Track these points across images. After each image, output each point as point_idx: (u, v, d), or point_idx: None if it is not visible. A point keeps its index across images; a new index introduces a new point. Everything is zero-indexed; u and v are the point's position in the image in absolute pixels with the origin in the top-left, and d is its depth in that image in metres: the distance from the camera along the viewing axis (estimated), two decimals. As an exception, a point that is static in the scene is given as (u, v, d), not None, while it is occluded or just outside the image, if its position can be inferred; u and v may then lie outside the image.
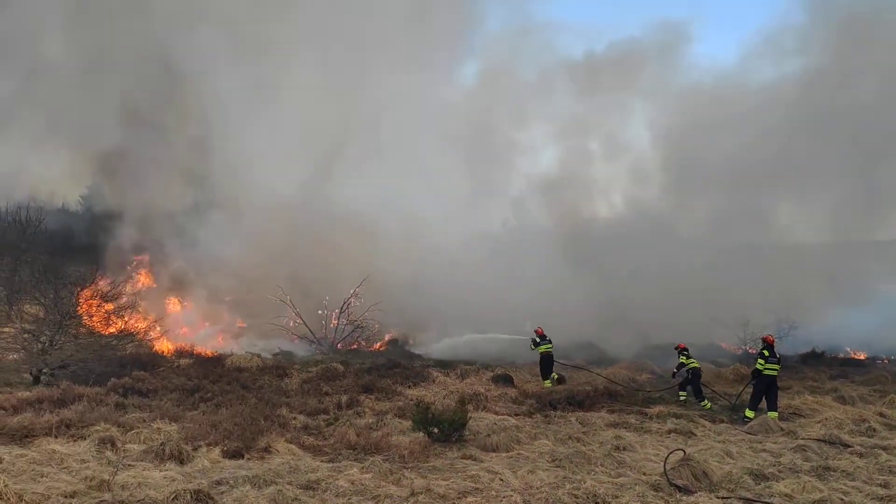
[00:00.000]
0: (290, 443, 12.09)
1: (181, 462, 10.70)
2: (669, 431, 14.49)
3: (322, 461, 11.18)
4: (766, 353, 16.78)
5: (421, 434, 12.89)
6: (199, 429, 12.63)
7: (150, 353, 21.57)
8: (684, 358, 18.81)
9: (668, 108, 39.79)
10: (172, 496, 8.71)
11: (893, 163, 34.23)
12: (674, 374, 19.72)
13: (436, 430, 12.81)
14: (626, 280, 32.81)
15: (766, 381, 16.45)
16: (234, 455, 11.29)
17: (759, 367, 16.61)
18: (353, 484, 9.70)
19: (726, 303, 32.80)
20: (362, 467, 10.54)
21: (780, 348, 30.51)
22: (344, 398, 16.32)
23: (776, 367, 16.65)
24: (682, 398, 18.55)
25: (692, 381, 18.42)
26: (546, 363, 21.21)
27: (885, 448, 13.24)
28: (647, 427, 14.83)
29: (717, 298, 33.39)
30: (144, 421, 13.26)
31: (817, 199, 37.22)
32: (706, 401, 18.14)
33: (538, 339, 21.77)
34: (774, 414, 15.98)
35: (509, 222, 46.06)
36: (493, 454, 12.22)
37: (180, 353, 22.62)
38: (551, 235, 35.97)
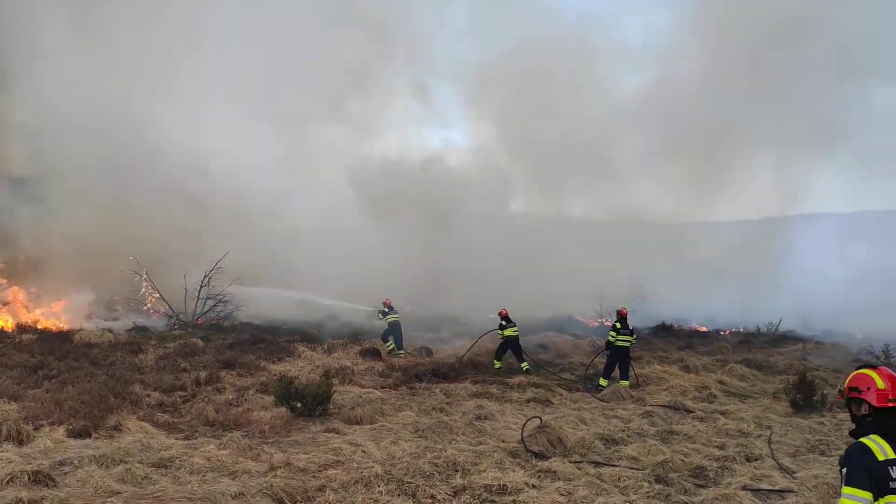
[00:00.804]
0: (143, 420, 11.53)
1: (20, 443, 9.95)
2: (529, 400, 15.00)
3: (177, 439, 10.73)
4: (618, 325, 17.63)
5: (284, 409, 12.65)
6: (42, 408, 11.80)
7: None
8: (500, 328, 19.59)
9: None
10: (7, 478, 8.08)
11: (731, 149, 36.96)
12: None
13: (299, 405, 12.60)
14: (488, 255, 33.79)
15: (619, 351, 17.32)
16: (81, 434, 10.61)
17: (611, 338, 17.46)
18: (209, 461, 9.35)
19: (585, 277, 34.33)
20: (220, 444, 10.19)
21: (633, 321, 32.34)
22: (203, 374, 15.74)
23: (629, 338, 17.54)
24: (496, 366, 19.24)
25: (512, 348, 19.32)
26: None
27: (723, 413, 14.30)
28: (508, 397, 15.29)
29: (577, 273, 34.90)
30: (-22, 401, 12.23)
31: (671, 181, 39.57)
32: (525, 363, 19.22)
33: (386, 310, 22.53)
34: (626, 382, 16.89)
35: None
36: (357, 427, 12.18)
37: (22, 329, 21.02)
38: (412, 207, 36.27)
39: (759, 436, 12.16)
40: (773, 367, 21.19)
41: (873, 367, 4.26)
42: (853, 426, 4.27)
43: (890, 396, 4.08)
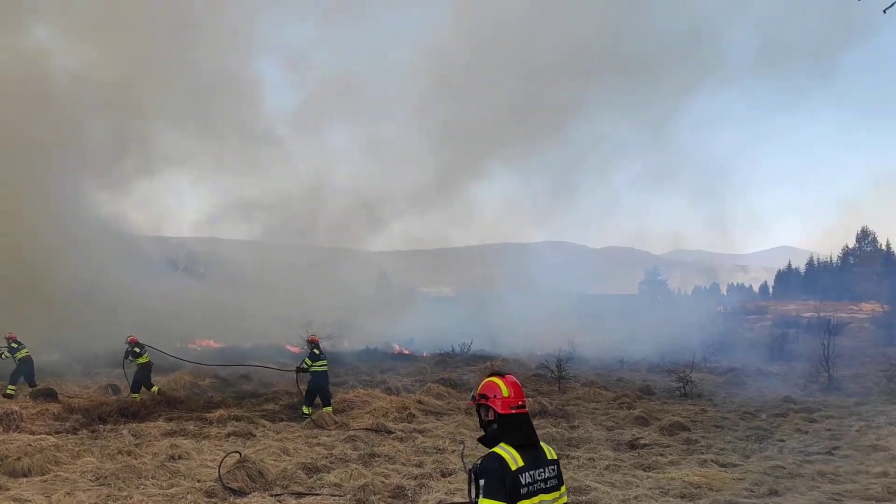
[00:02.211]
0: None
1: None
2: (229, 435, 14.26)
3: None
4: (316, 351, 17.46)
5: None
6: None
7: None
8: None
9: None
10: None
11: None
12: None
13: (-54, 461, 10.60)
14: (183, 282, 32.34)
15: (318, 377, 17.18)
16: None
17: (306, 364, 17.13)
18: None
19: (293, 304, 34.12)
20: None
21: (341, 346, 32.74)
22: None
23: (324, 363, 17.41)
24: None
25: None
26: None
27: (421, 431, 14.92)
28: (207, 432, 14.40)
29: (285, 300, 34.58)
30: None
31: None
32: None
33: (15, 346, 19.47)
34: (329, 408, 16.85)
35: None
36: (25, 480, 10.56)
37: None
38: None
39: (453, 451, 12.84)
40: (465, 385, 22.71)
41: (501, 375, 4.43)
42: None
43: (512, 404, 4.26)
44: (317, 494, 9.86)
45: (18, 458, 11.34)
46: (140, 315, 31.62)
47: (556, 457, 4.33)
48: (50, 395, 18.08)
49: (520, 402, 4.28)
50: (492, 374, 4.43)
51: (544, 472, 4.20)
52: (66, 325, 27.68)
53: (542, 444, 4.32)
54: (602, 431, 15.48)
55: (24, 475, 10.80)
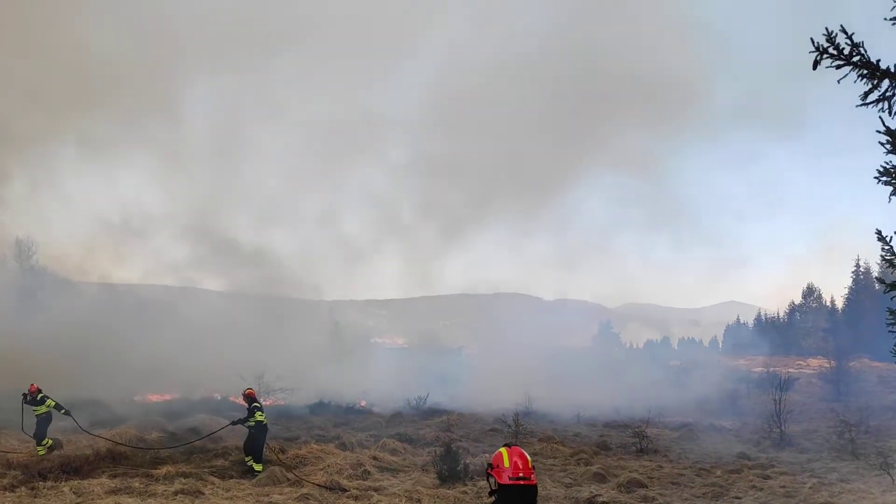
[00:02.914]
0: None
1: None
2: (177, 492, 13.69)
3: None
4: (258, 404, 17.05)
5: None
6: None
7: None
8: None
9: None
10: None
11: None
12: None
13: None
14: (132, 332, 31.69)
15: (264, 430, 16.70)
16: None
17: (259, 418, 16.62)
18: None
19: (245, 355, 33.53)
20: None
21: (291, 399, 32.11)
22: None
23: (258, 416, 16.81)
24: (48, 444, 17.91)
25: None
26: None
27: (376, 489, 14.57)
28: (154, 490, 13.80)
29: (235, 351, 33.93)
30: None
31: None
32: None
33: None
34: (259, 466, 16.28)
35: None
36: (-45, 544, 9.97)
37: None
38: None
39: (411, 510, 12.56)
40: (422, 440, 22.37)
41: (509, 445, 4.60)
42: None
43: (511, 475, 4.41)
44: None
45: (-51, 520, 10.72)
46: (84, 364, 30.68)
47: None
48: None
49: (520, 475, 4.40)
50: (505, 445, 4.62)
51: None
52: (3, 375, 26.59)
53: None
54: (560, 488, 15.33)
55: (-44, 538, 10.20)
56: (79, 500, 12.77)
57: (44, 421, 18.32)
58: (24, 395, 18.38)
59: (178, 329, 37.12)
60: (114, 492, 13.48)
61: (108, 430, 21.16)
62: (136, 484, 14.31)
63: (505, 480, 4.39)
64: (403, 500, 13.33)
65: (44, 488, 13.63)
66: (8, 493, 13.20)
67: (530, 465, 4.49)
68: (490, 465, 4.52)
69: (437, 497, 13.75)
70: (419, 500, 13.16)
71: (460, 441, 21.06)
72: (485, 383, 42.54)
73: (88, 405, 26.44)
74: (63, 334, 31.91)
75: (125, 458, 17.11)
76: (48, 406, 18.30)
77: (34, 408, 18.32)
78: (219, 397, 32.04)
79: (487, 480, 4.57)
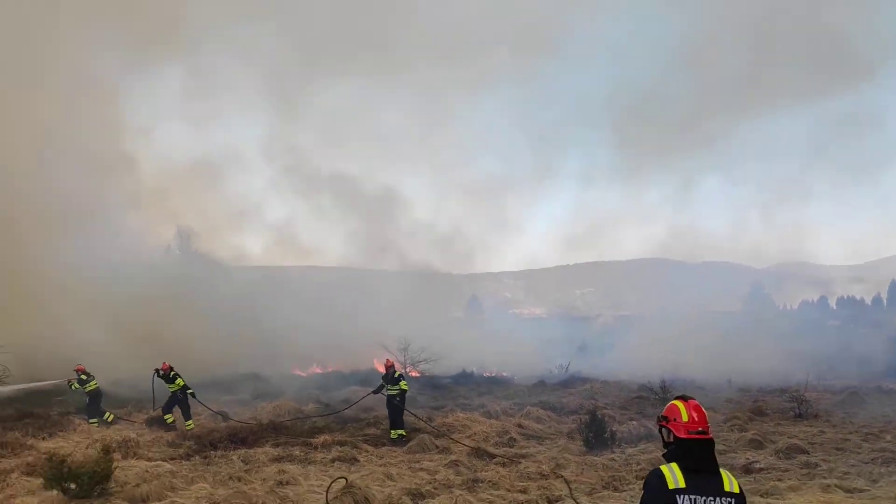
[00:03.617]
0: None
1: None
2: (334, 460, 14.44)
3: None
4: (399, 374, 17.94)
5: (55, 492, 11.11)
6: None
7: None
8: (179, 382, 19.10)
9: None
10: None
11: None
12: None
13: (73, 486, 11.13)
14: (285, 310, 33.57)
15: (391, 401, 17.45)
16: None
17: (403, 387, 17.56)
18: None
19: (392, 330, 34.70)
20: (-29, 543, 8.69)
21: (435, 370, 32.88)
22: (-48, 460, 13.54)
23: (393, 387, 17.56)
24: (168, 420, 18.87)
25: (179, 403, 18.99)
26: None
27: (523, 456, 14.68)
28: (312, 458, 14.61)
29: (383, 326, 35.18)
30: None
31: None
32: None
33: (84, 378, 20.00)
34: (402, 431, 17.06)
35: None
36: (143, 505, 10.98)
37: None
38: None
39: (558, 477, 12.55)
40: (565, 408, 22.27)
41: (685, 398, 4.44)
42: (664, 450, 4.46)
43: (691, 429, 4.27)
44: (423, 521, 9.79)
45: (137, 485, 11.80)
46: (244, 343, 32.91)
47: (738, 490, 4.24)
48: (163, 422, 18.83)
49: (700, 429, 4.29)
50: (678, 398, 4.49)
51: (714, 501, 4.15)
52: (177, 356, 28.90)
53: (725, 474, 4.27)
54: (713, 455, 14.80)
55: (143, 501, 11.21)
56: (246, 467, 13.70)
57: (173, 397, 19.29)
58: (157, 372, 19.56)
59: (329, 307, 38.95)
60: (277, 459, 14.38)
61: (269, 403, 22.60)
62: (297, 452, 15.19)
63: (683, 434, 4.26)
64: (550, 467, 13.34)
65: (215, 457, 14.75)
66: (184, 462, 14.39)
67: (707, 420, 4.31)
68: (664, 417, 4.40)
69: (585, 464, 13.67)
70: (566, 468, 13.13)
71: (605, 409, 20.78)
72: (627, 351, 41.74)
73: (250, 380, 28.36)
74: (224, 315, 34.22)
75: (285, 429, 18.18)
76: (178, 385, 19.29)
77: (168, 385, 19.41)
78: (366, 369, 33.33)
79: (660, 432, 4.47)
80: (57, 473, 11.17)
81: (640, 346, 41.29)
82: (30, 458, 14.03)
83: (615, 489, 11.66)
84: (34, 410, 20.08)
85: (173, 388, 19.13)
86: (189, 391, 19.29)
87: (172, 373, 19.28)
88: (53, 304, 28.98)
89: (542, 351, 42.07)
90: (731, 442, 16.42)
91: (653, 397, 23.44)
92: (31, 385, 22.75)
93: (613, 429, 16.23)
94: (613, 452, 14.75)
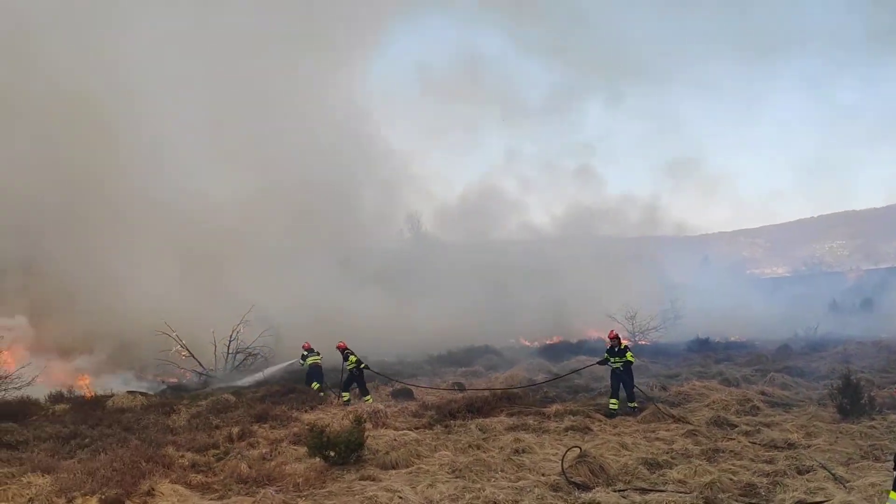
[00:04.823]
0: (176, 483, 11.33)
1: (52, 517, 9.82)
2: (567, 429, 14.59)
3: (211, 499, 10.55)
4: (625, 345, 17.54)
5: (317, 459, 12.42)
6: (74, 479, 11.63)
7: (20, 402, 19.81)
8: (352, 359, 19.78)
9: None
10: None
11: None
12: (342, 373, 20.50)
13: (332, 454, 12.36)
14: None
15: (615, 373, 17.01)
16: (113, 503, 10.46)
17: (629, 358, 17.13)
18: (244, 520, 9.15)
19: (608, 297, 34.31)
20: (253, 501, 9.99)
21: (668, 337, 31.92)
22: (235, 430, 15.56)
23: (617, 360, 17.05)
24: (344, 398, 19.62)
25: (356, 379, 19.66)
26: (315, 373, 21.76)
27: (767, 425, 13.84)
28: (546, 427, 14.89)
29: (598, 293, 34.92)
30: (13, 476, 12.11)
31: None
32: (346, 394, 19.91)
33: (306, 353, 22.30)
34: (634, 403, 16.68)
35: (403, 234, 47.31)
36: (393, 471, 11.90)
37: (55, 398, 20.99)
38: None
39: (808, 446, 11.70)
40: (815, 373, 20.61)
41: None
42: None
43: None
44: (661, 491, 9.63)
45: (387, 452, 12.82)
46: (476, 317, 34.31)
47: None
48: (407, 394, 20.18)
49: None
50: None
51: None
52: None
53: None
54: None
55: (393, 467, 12.15)
56: (484, 435, 14.30)
57: (350, 375, 20.13)
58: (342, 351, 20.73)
59: (550, 279, 39.26)
60: (512, 428, 14.84)
61: (502, 373, 23.36)
62: (531, 421, 15.56)
63: None
64: (800, 436, 12.46)
65: (455, 426, 15.54)
66: (427, 431, 15.32)
67: None
68: None
69: (840, 432, 12.60)
70: (817, 436, 12.19)
71: (861, 372, 18.90)
72: (887, 307, 37.49)
73: (483, 353, 29.44)
74: (452, 292, 35.74)
75: (518, 399, 18.67)
76: (352, 362, 20.09)
77: (345, 363, 20.37)
78: (594, 338, 33.17)
79: None
80: (318, 442, 12.45)
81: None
82: (296, 429, 15.74)
83: (876, 459, 10.64)
84: (296, 386, 22.42)
85: (350, 365, 20.10)
86: (363, 366, 20.23)
87: (346, 351, 20.35)
88: (315, 284, 31.85)
89: (785, 312, 39.11)
90: None
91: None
92: (291, 362, 25.47)
93: (872, 394, 14.74)
94: (873, 420, 13.42)
